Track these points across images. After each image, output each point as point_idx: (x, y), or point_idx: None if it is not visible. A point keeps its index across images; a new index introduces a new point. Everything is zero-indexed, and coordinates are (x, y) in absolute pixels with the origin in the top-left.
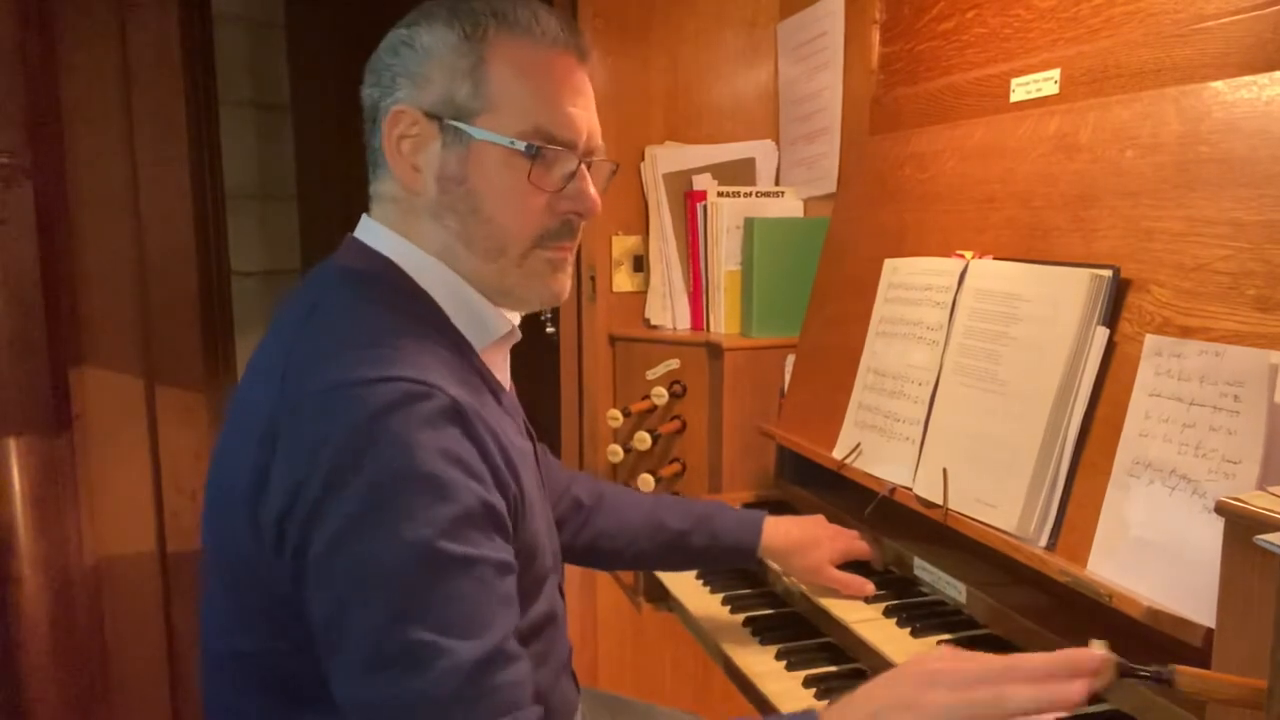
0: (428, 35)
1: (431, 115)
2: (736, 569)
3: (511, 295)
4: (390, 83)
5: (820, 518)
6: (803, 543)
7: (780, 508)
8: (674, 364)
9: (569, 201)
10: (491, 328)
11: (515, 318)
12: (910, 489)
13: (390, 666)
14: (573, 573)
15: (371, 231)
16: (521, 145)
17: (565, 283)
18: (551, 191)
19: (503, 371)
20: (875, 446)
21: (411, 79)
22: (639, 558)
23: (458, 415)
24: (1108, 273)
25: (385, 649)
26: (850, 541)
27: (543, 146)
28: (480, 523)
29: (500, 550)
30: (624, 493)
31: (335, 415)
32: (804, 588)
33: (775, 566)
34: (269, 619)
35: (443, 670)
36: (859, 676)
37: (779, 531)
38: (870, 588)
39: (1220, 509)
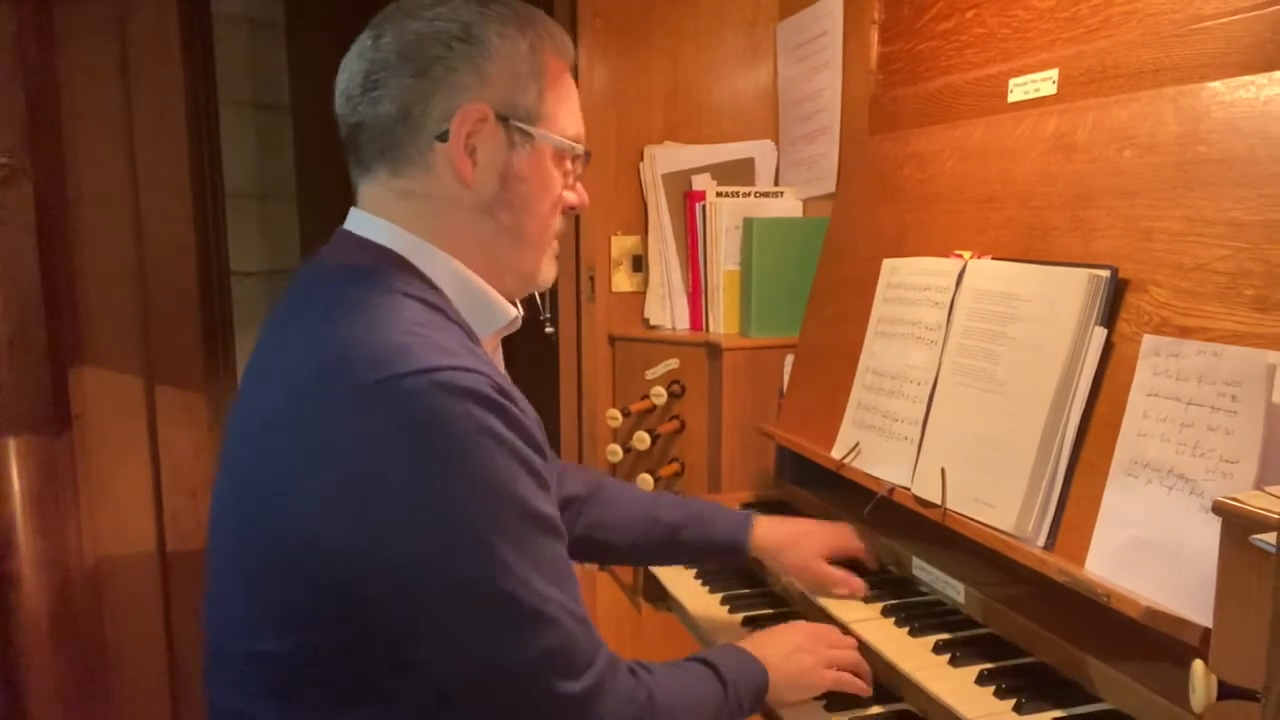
0: (496, 37)
1: (500, 116)
2: (736, 569)
3: (533, 281)
4: (443, 77)
5: (814, 519)
6: (794, 536)
7: (779, 507)
8: (673, 364)
9: (573, 197)
10: (498, 316)
11: (514, 308)
12: (909, 489)
13: (531, 624)
14: None
15: (369, 226)
16: (580, 149)
17: (556, 269)
18: (567, 189)
19: (498, 360)
20: (874, 446)
21: (478, 76)
22: (632, 550)
23: (504, 394)
24: (1106, 273)
25: (524, 610)
26: (842, 536)
27: (585, 151)
28: (546, 489)
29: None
30: (619, 486)
31: (398, 407)
32: (803, 587)
33: (768, 564)
34: (308, 617)
35: (567, 621)
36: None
37: (770, 528)
38: (862, 586)
39: (1218, 509)
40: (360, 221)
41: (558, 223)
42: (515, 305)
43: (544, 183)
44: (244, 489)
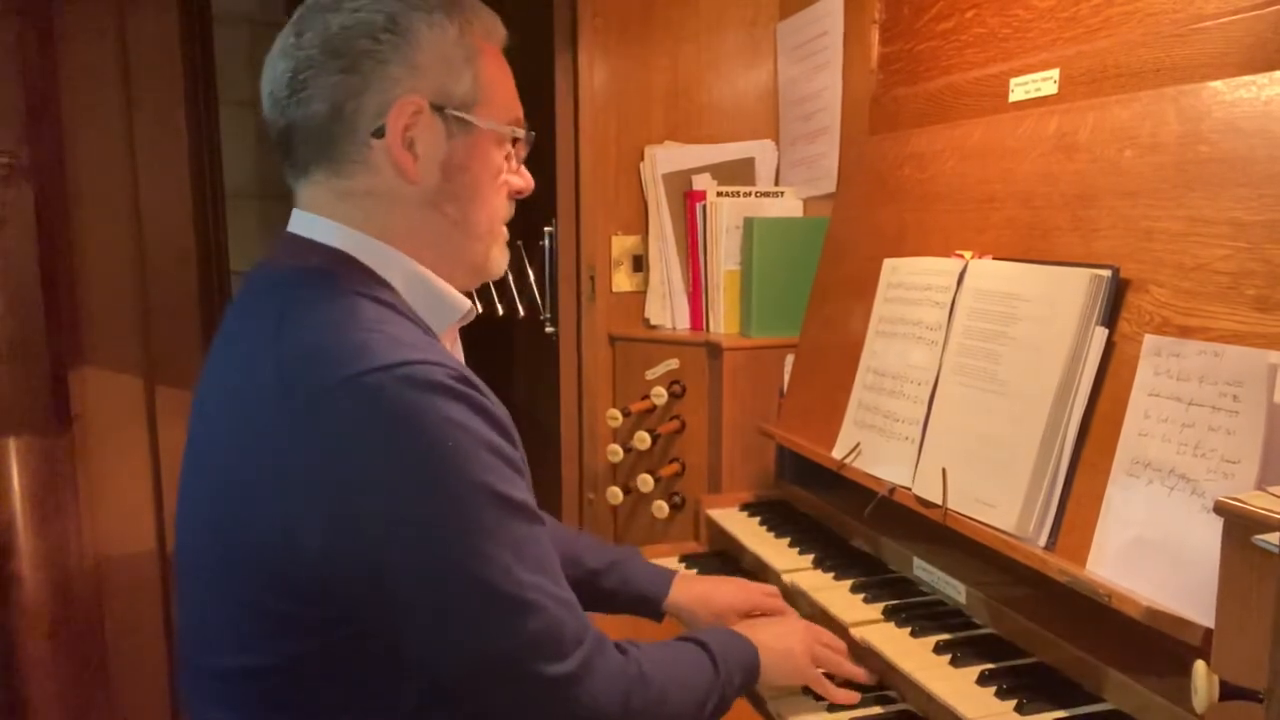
0: (424, 25)
1: (435, 106)
2: (738, 569)
3: (484, 271)
4: (373, 71)
5: (733, 579)
6: (707, 594)
7: (780, 507)
8: (673, 364)
9: (518, 181)
10: (452, 309)
11: (468, 300)
12: (910, 489)
13: (516, 611)
14: None
15: (314, 226)
16: (520, 133)
17: (508, 256)
18: (510, 173)
19: (457, 353)
20: (875, 446)
21: (409, 68)
22: None
23: (468, 384)
24: (1107, 272)
25: (507, 598)
26: (751, 592)
27: (526, 133)
28: (520, 474)
29: (531, 499)
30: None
31: (363, 404)
32: (804, 587)
33: (684, 621)
34: (292, 627)
35: (551, 606)
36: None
37: (683, 587)
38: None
39: (1219, 509)
40: (305, 223)
41: (505, 209)
42: (473, 298)
43: (487, 170)
44: (217, 502)
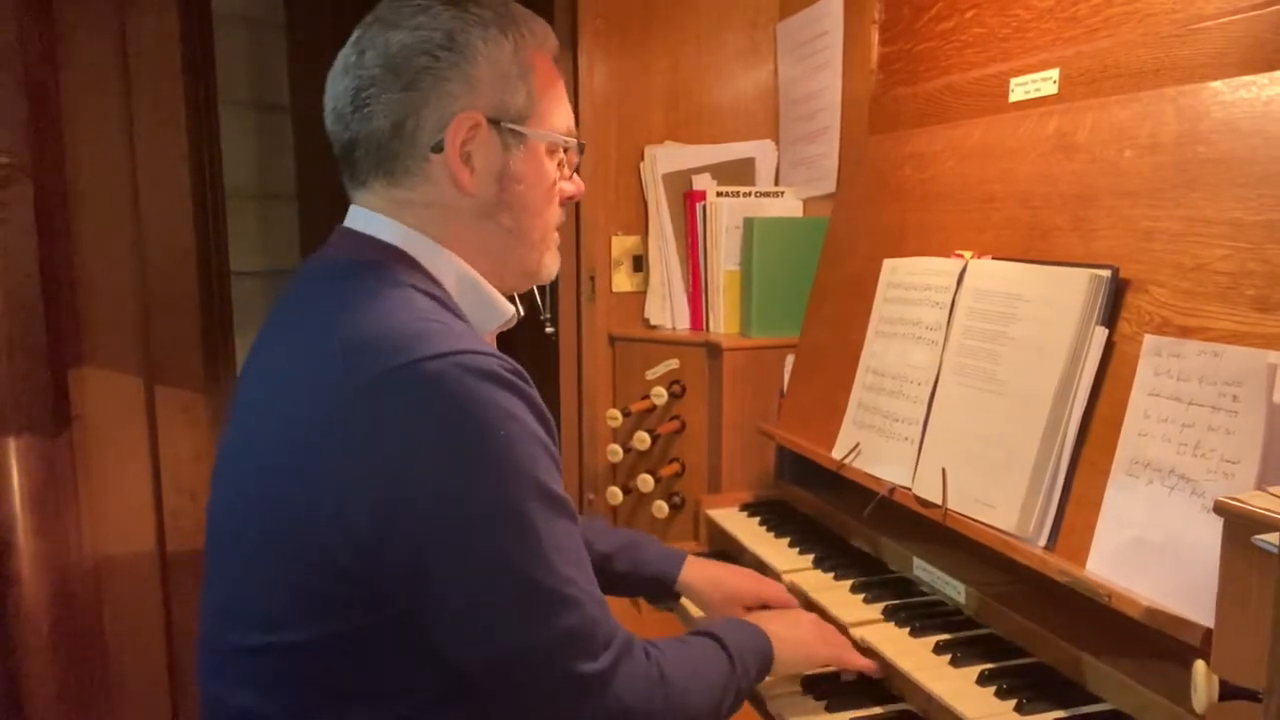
0: (480, 41)
1: (492, 120)
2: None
3: (537, 277)
4: (433, 87)
5: (744, 570)
6: (721, 578)
7: (780, 507)
8: (673, 364)
9: (570, 188)
10: (499, 312)
11: (512, 306)
12: (909, 489)
13: (554, 606)
14: None
15: (372, 223)
16: (573, 142)
17: (559, 261)
18: (563, 180)
19: None
20: (874, 446)
21: (467, 84)
22: None
23: (521, 378)
24: (1107, 273)
25: (546, 592)
26: (761, 585)
27: (579, 141)
28: (560, 473)
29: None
30: None
31: (422, 388)
32: (804, 587)
33: (693, 602)
34: (334, 605)
35: (588, 604)
36: (859, 676)
37: (697, 569)
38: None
39: (1219, 509)
40: (363, 219)
41: (558, 216)
42: (515, 302)
43: (541, 180)
44: (267, 483)
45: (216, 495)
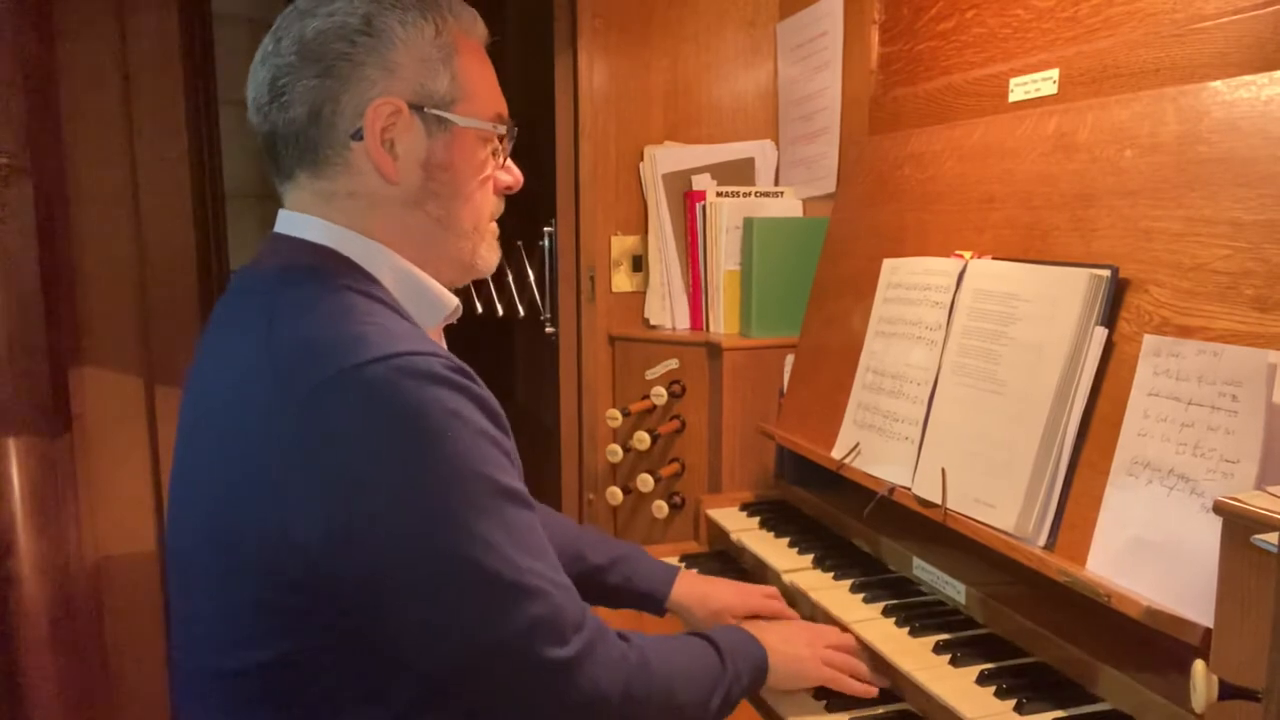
0: (399, 25)
1: (413, 106)
2: (739, 569)
3: (472, 269)
4: (350, 73)
5: (735, 582)
6: (706, 593)
7: (780, 507)
8: (673, 364)
9: (505, 177)
10: (440, 307)
11: (454, 298)
12: (909, 489)
13: (517, 598)
14: None
15: (302, 225)
16: (503, 129)
17: (499, 253)
18: (498, 169)
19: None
20: (874, 446)
21: (385, 69)
22: None
23: (464, 374)
24: (1106, 272)
25: (508, 585)
26: (759, 599)
27: (510, 127)
28: (513, 464)
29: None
30: (549, 514)
31: (362, 394)
32: (804, 587)
33: (683, 618)
34: (292, 621)
35: (552, 591)
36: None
37: (688, 586)
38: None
39: (1218, 508)
40: (292, 222)
41: (493, 206)
42: (471, 296)
43: (470, 167)
44: (215, 503)
45: (170, 524)
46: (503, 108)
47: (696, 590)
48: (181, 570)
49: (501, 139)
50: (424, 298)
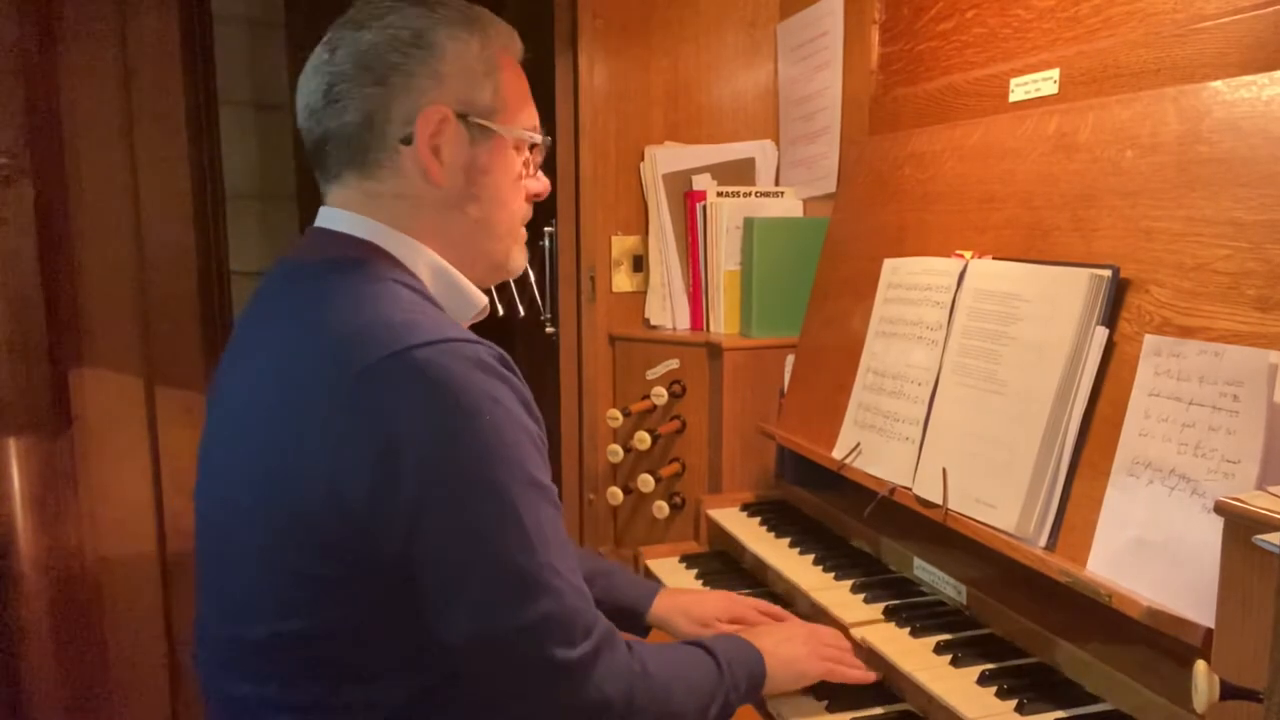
0: (448, 39)
1: (459, 114)
2: (739, 570)
3: (504, 269)
4: (402, 83)
5: (713, 590)
6: (689, 605)
7: (780, 507)
8: (674, 364)
9: (535, 184)
10: (473, 303)
11: (484, 297)
12: (910, 489)
13: (532, 591)
14: None
15: (345, 221)
16: (538, 139)
17: (527, 256)
18: (528, 178)
19: None
20: (875, 446)
21: (435, 79)
22: None
23: (507, 365)
24: (1107, 272)
25: (526, 576)
26: (747, 609)
27: (542, 139)
28: (546, 461)
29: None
30: None
31: (412, 374)
32: (804, 587)
33: (666, 631)
34: (334, 589)
35: (568, 592)
36: None
37: (670, 601)
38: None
39: (1220, 509)
40: (335, 218)
41: (524, 211)
42: (491, 296)
43: (507, 174)
44: (261, 479)
45: (205, 495)
46: (536, 120)
47: (679, 603)
48: (217, 541)
49: (534, 148)
50: (457, 294)
